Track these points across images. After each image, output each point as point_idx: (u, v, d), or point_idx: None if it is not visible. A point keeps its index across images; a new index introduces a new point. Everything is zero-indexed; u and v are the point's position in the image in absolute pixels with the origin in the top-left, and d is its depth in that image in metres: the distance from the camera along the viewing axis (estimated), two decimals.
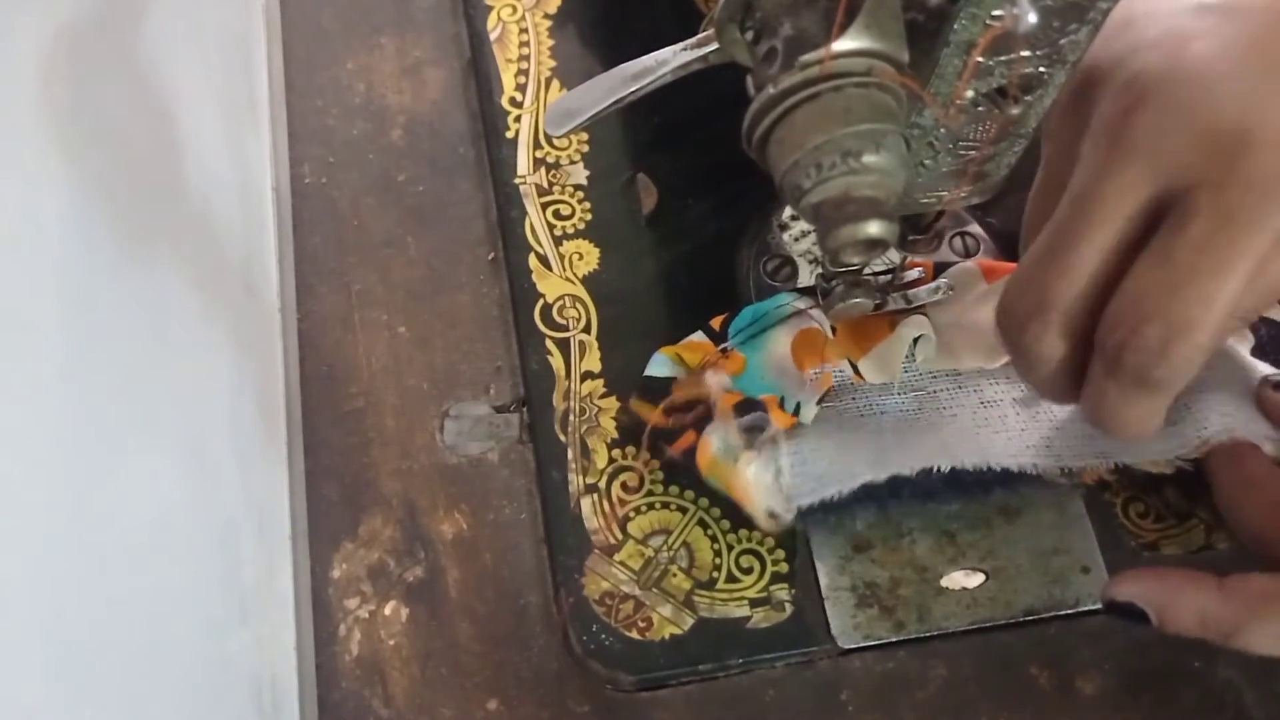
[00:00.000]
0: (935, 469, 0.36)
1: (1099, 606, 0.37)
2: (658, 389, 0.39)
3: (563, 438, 0.40)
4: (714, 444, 0.36)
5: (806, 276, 0.42)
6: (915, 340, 0.39)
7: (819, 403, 0.38)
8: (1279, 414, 0.35)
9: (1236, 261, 0.27)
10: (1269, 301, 0.29)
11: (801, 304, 0.40)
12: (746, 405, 0.37)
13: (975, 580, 0.38)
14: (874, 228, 0.25)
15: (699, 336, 0.40)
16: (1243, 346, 0.38)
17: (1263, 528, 0.32)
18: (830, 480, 0.36)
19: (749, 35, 0.28)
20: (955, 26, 0.26)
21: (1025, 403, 0.38)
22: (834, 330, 0.40)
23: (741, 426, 0.37)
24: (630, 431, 0.39)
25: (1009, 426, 0.38)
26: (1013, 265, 0.40)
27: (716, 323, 0.40)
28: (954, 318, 0.40)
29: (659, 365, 0.39)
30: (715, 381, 0.37)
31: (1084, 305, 0.30)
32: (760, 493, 0.36)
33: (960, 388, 0.39)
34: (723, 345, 0.39)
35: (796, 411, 0.38)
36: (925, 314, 0.39)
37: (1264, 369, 0.37)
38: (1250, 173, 0.27)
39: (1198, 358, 0.29)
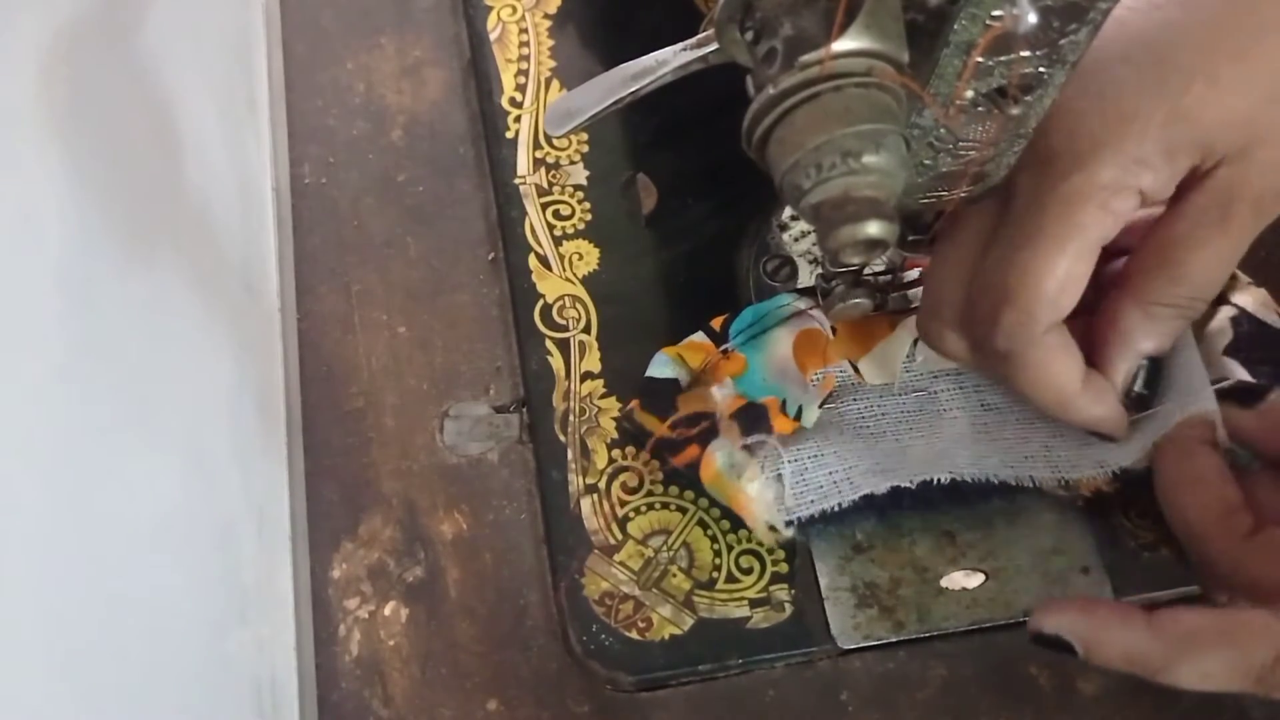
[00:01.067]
0: (935, 480, 0.36)
1: None
2: (659, 391, 0.39)
3: (562, 438, 0.40)
4: (718, 460, 0.37)
5: (806, 277, 0.42)
6: (915, 341, 0.39)
7: (821, 405, 0.38)
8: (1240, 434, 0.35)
9: (1045, 230, 0.30)
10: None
11: (802, 304, 0.40)
12: (749, 410, 0.37)
13: (975, 581, 0.38)
14: (874, 228, 0.25)
15: (700, 337, 0.40)
16: (1220, 340, 0.38)
17: (1200, 523, 0.33)
18: (831, 492, 0.36)
19: (749, 35, 0.28)
20: (955, 27, 0.26)
21: (1021, 405, 0.38)
22: (834, 330, 0.40)
23: (746, 444, 0.37)
24: (630, 435, 0.39)
25: (1008, 434, 0.38)
26: None
27: (717, 323, 0.40)
28: None
29: (660, 366, 0.39)
30: (721, 396, 0.38)
31: (959, 302, 0.33)
32: (761, 508, 0.36)
33: (961, 388, 0.39)
34: (724, 346, 0.39)
35: (798, 415, 0.38)
36: None
37: (1234, 369, 0.37)
38: (1047, 152, 0.30)
39: (1030, 324, 0.31)
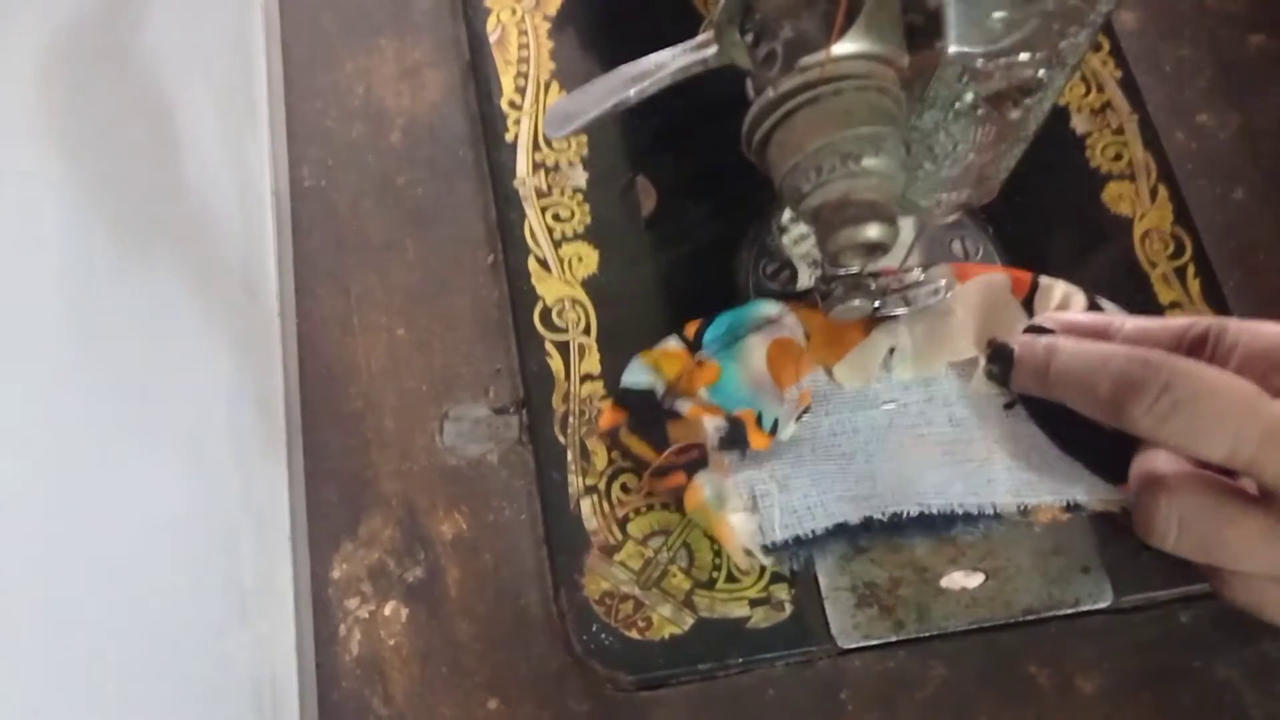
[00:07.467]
0: (905, 513, 0.37)
1: (1099, 607, 0.37)
2: (644, 409, 0.38)
3: (562, 439, 0.40)
4: (705, 491, 0.37)
5: (805, 279, 0.42)
6: (891, 349, 0.39)
7: (796, 419, 0.38)
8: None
9: None
10: None
11: (775, 311, 0.40)
12: (729, 432, 0.38)
13: (975, 580, 0.38)
14: (874, 231, 0.25)
15: (675, 344, 0.40)
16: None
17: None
18: (805, 517, 0.37)
19: (749, 38, 0.29)
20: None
21: (986, 422, 0.38)
22: (807, 337, 0.40)
23: (731, 479, 0.37)
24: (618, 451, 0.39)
25: (974, 454, 0.38)
26: (990, 268, 0.40)
27: (690, 330, 0.40)
28: (926, 323, 0.40)
29: (636, 373, 0.39)
30: (712, 427, 0.38)
31: None
32: (741, 536, 0.37)
33: (930, 400, 0.39)
34: (698, 355, 0.39)
35: (774, 430, 0.38)
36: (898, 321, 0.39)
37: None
38: None
39: None
